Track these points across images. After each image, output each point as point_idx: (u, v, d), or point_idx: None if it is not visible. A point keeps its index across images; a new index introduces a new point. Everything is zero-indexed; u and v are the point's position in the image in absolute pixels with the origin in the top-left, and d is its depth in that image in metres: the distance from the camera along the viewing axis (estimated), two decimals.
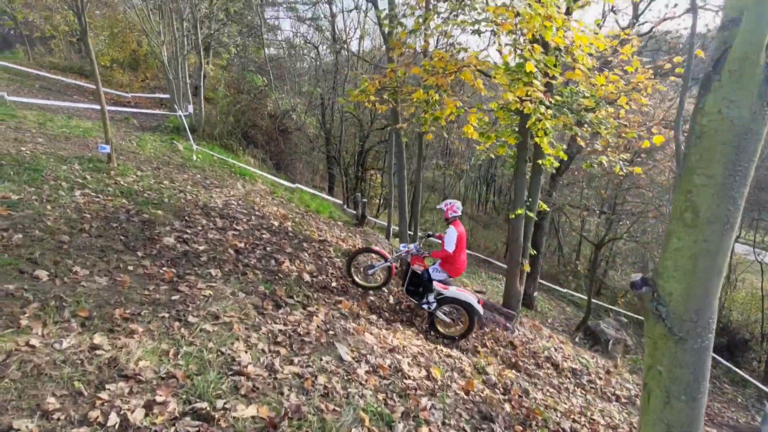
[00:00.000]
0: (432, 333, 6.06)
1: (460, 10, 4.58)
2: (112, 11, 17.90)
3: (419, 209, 10.05)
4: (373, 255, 7.06)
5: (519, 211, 7.12)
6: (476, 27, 4.38)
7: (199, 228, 6.11)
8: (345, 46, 16.80)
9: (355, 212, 12.52)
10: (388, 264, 6.38)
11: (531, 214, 7.44)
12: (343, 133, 15.99)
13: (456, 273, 5.97)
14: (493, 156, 6.27)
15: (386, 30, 7.54)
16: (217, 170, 10.21)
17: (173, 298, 3.85)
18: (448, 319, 6.06)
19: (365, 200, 12.01)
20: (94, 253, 4.29)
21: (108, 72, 19.40)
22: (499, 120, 7.11)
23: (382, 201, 20.71)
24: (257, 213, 7.73)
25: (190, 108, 13.16)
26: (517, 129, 6.86)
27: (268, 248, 6.31)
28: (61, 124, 9.65)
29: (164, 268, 4.47)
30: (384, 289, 7.09)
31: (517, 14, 4.27)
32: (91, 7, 21.04)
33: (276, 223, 7.55)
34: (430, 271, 5.96)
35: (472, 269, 18.02)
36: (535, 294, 14.29)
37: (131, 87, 18.74)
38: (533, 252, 9.08)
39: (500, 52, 4.74)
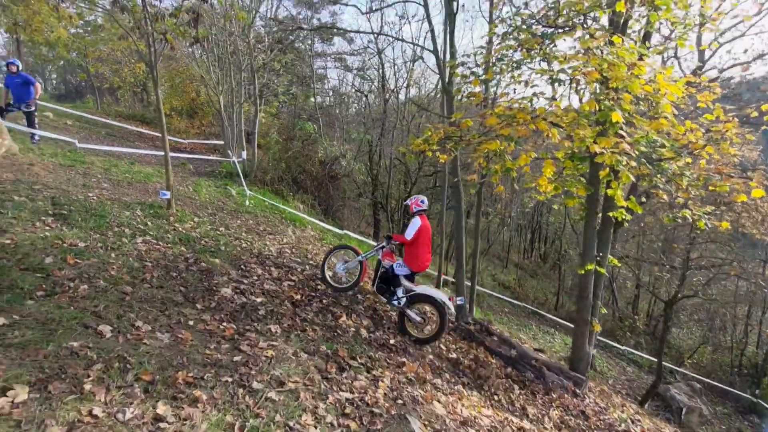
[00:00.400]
0: (404, 336, 5.98)
1: (540, 59, 4.40)
2: (175, 63, 19.01)
3: (478, 261, 9.62)
4: (348, 252, 6.87)
5: (589, 267, 6.61)
6: (557, 76, 4.16)
7: (255, 278, 5.95)
8: (393, 94, 17.07)
9: None
10: (360, 260, 6.45)
11: (602, 270, 6.91)
12: (391, 179, 15.97)
13: (418, 268, 6.11)
14: (545, 199, 5.91)
15: (447, 78, 7.47)
16: (268, 216, 10.23)
17: (235, 359, 3.60)
18: (418, 319, 5.98)
19: None
20: (156, 306, 4.15)
21: (167, 119, 20.46)
22: (565, 169, 6.73)
23: None
24: (311, 262, 7.55)
25: (244, 154, 13.49)
26: (584, 179, 6.48)
27: (324, 300, 6.06)
28: (124, 169, 9.99)
29: (224, 324, 4.26)
30: (441, 346, 6.67)
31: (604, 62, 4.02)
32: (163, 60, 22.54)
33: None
34: (395, 266, 6.15)
35: (522, 321, 17.14)
36: (593, 351, 13.30)
37: (188, 133, 19.61)
38: (604, 310, 8.42)
39: (581, 100, 4.51)
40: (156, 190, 8.97)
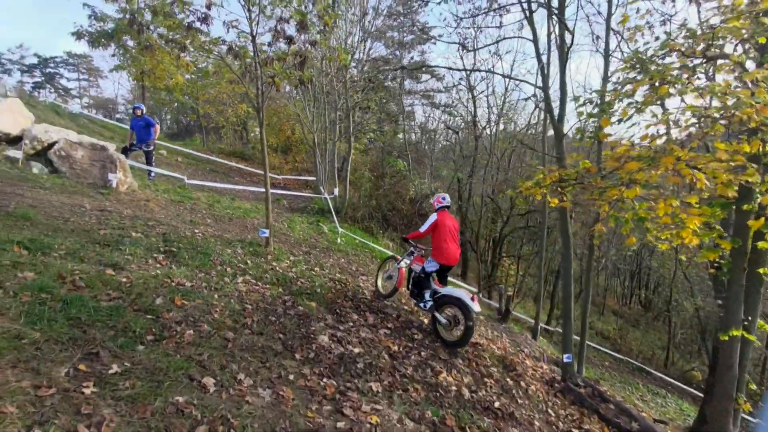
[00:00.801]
0: (437, 339, 6.15)
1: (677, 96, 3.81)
2: (273, 103, 20.18)
3: (587, 315, 8.72)
4: (392, 262, 7.26)
5: (734, 333, 5.58)
6: (710, 113, 3.54)
7: (351, 324, 5.69)
8: (484, 131, 16.65)
9: (497, 305, 11.47)
10: (398, 267, 6.86)
11: (751, 338, 5.81)
12: (482, 217, 15.35)
13: (447, 260, 6.31)
14: (652, 241, 5.09)
15: (558, 115, 6.95)
16: (359, 254, 10.10)
17: (339, 424, 3.28)
18: (445, 321, 6.12)
19: (509, 293, 10.94)
20: (257, 355, 3.99)
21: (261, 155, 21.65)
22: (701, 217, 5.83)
23: (516, 291, 19.19)
24: (405, 308, 7.18)
25: (336, 191, 13.70)
26: (720, 228, 5.54)
27: (422, 353, 5.63)
28: (225, 205, 10.46)
29: (325, 380, 3.98)
30: (550, 411, 5.92)
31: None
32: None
33: (425, 320, 6.90)
34: (425, 265, 6.42)
35: (626, 378, 15.32)
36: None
37: (281, 169, 20.54)
38: (752, 386, 7.12)
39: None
40: (254, 226, 9.21)
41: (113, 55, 16.83)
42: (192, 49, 6.65)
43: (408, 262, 6.81)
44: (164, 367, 3.26)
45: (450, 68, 15.40)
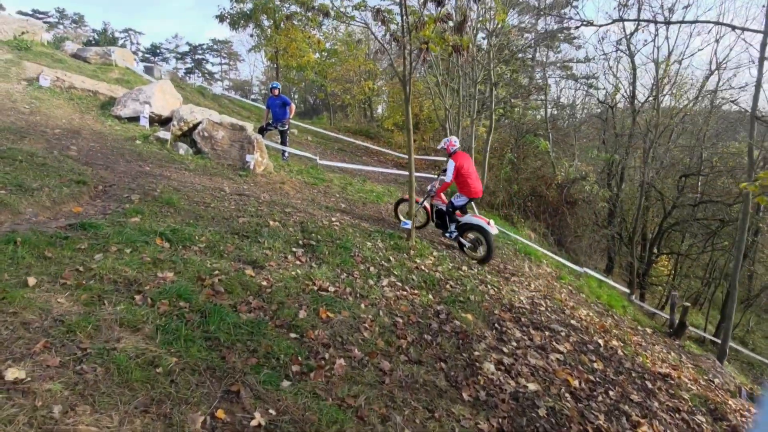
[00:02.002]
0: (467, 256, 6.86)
1: None
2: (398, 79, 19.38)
3: (733, 311, 6.67)
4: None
5: None
6: None
7: (515, 345, 4.62)
8: (644, 103, 14.02)
9: (667, 316, 9.51)
10: (421, 206, 7.40)
11: None
12: (640, 206, 12.93)
13: (474, 194, 6.85)
14: None
15: None
16: (501, 247, 8.89)
17: None
18: (468, 244, 6.96)
19: (687, 303, 8.92)
20: (419, 398, 3.12)
21: (388, 134, 21.08)
22: None
23: (668, 293, 16.42)
24: (574, 323, 5.89)
25: None
26: None
27: (610, 392, 4.37)
28: (358, 187, 9.90)
29: None
30: None
31: None
32: (386, 76, 23.64)
33: (600, 342, 5.56)
34: (453, 200, 6.99)
35: None
36: None
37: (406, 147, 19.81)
38: None
39: None
40: (388, 212, 8.49)
41: (251, 35, 17.28)
42: (332, 16, 5.89)
43: (430, 199, 7.36)
44: (316, 419, 2.51)
45: (623, 20, 12.51)
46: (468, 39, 5.66)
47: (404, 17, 5.74)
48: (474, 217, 7.02)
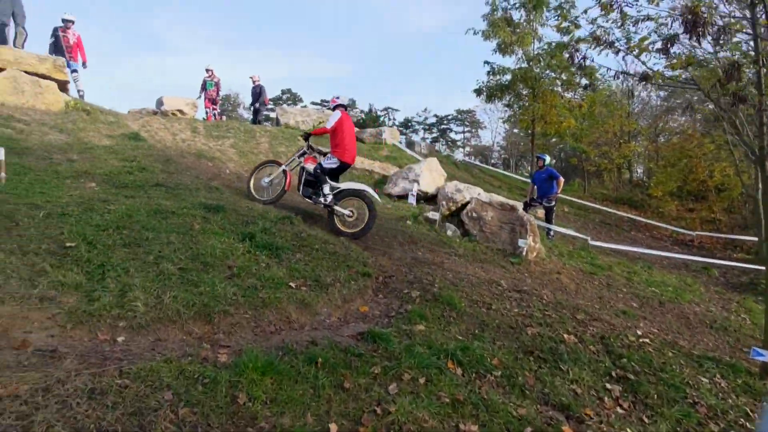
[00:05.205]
0: (337, 234, 5.93)
1: None
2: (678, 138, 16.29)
3: None
4: (273, 167, 7.01)
5: None
6: None
7: None
8: None
9: None
10: (283, 169, 6.68)
11: None
12: None
13: (348, 159, 6.34)
14: None
15: None
16: None
17: None
18: (347, 212, 6.18)
19: None
20: None
21: (656, 202, 17.77)
22: None
23: None
24: None
25: None
26: None
27: None
28: (644, 278, 7.95)
29: None
30: None
31: None
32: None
33: None
34: (323, 162, 6.34)
35: None
36: None
37: (686, 220, 16.21)
38: None
39: None
40: (696, 315, 6.36)
41: (507, 105, 17.12)
42: (652, 81, 4.66)
43: (300, 161, 6.63)
44: None
45: None
46: None
47: (762, 66, 4.16)
48: (355, 183, 6.65)
